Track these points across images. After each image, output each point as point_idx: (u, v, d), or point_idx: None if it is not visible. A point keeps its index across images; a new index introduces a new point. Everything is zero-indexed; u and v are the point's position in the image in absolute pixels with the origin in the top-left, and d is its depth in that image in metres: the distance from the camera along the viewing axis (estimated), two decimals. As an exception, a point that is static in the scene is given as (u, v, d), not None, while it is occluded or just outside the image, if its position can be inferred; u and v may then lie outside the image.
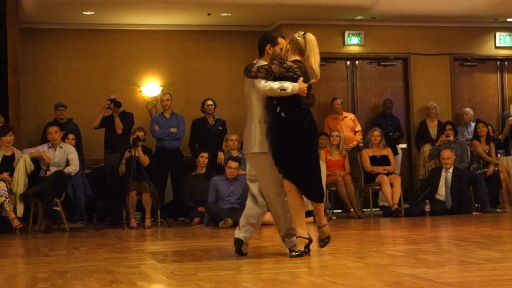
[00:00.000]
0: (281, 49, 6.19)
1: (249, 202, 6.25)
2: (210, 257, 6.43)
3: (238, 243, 6.19)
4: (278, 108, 5.99)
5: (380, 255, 6.15)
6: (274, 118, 6.03)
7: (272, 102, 6.03)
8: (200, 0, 11.91)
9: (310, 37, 6.17)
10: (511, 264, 5.34)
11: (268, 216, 10.32)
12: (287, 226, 6.16)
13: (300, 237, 5.97)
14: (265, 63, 6.10)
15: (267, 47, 6.22)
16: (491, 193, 12.01)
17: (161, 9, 12.34)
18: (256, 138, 6.07)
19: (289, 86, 5.94)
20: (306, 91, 6.01)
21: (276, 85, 5.93)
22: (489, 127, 12.64)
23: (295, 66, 6.04)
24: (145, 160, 10.88)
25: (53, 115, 12.10)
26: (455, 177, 11.56)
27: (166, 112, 12.13)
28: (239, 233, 6.20)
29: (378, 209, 12.51)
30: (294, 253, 5.90)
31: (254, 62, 6.20)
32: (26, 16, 12.21)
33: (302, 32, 6.21)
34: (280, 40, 6.28)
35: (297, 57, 6.13)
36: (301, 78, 6.01)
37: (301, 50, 6.12)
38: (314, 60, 6.10)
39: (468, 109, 13.58)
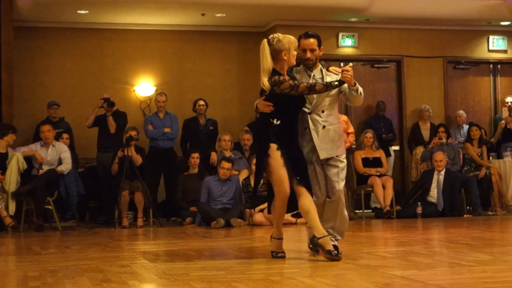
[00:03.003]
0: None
1: None
2: (201, 257, 6.44)
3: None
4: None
5: (371, 256, 6.16)
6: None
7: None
8: (195, 0, 11.91)
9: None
10: (501, 266, 5.36)
11: (259, 217, 10.41)
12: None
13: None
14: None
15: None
16: (483, 195, 12.04)
17: (155, 9, 12.34)
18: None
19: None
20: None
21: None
22: (482, 130, 12.67)
23: (299, 77, 6.12)
24: (138, 159, 10.88)
25: (45, 114, 12.08)
26: (447, 180, 11.58)
27: (160, 112, 12.13)
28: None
29: (370, 210, 12.53)
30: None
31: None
32: (20, 14, 12.19)
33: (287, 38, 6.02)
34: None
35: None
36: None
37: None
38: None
39: (461, 112, 13.62)
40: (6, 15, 11.50)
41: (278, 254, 6.00)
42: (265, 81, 5.82)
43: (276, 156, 5.83)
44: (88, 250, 7.21)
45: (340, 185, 6.04)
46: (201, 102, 12.17)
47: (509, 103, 13.57)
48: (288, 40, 5.94)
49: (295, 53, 6.00)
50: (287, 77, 5.91)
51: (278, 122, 5.89)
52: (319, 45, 6.16)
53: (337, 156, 6.06)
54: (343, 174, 6.08)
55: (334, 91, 6.12)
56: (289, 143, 5.90)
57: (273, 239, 6.08)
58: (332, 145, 6.04)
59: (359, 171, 11.88)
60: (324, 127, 6.02)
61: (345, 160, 6.13)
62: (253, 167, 10.58)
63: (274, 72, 5.87)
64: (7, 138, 10.38)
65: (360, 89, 6.17)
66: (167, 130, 11.94)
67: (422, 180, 11.92)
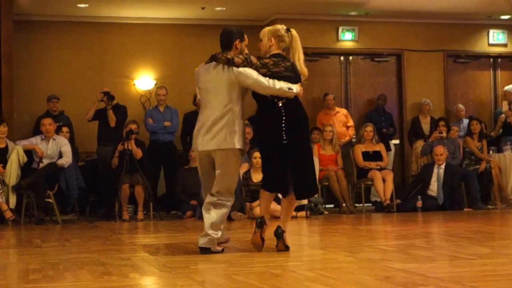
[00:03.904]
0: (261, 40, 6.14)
1: None
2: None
3: None
4: (281, 103, 5.98)
5: (371, 250, 6.17)
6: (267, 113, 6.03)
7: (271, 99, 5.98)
8: (195, -7, 11.92)
9: (295, 33, 6.13)
10: (501, 259, 5.37)
11: (259, 210, 10.42)
12: None
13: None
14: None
15: (237, 41, 6.14)
16: (483, 189, 12.04)
17: (155, 2, 12.33)
18: (239, 134, 5.98)
19: (294, 87, 5.94)
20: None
21: (284, 84, 5.90)
22: (482, 124, 12.67)
23: (271, 63, 6.01)
24: (138, 153, 10.88)
25: (45, 108, 12.08)
26: (447, 173, 11.59)
27: (160, 106, 12.13)
28: None
29: (370, 204, 12.54)
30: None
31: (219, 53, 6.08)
32: (20, 8, 12.18)
33: (285, 27, 6.14)
34: (246, 37, 6.25)
35: (279, 51, 6.09)
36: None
37: (285, 46, 6.09)
38: (299, 58, 6.09)
39: (461, 106, 13.64)
40: (6, 9, 11.49)
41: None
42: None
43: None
44: (89, 243, 7.22)
45: None
46: (203, 96, 12.14)
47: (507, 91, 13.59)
48: None
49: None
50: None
51: (284, 100, 5.98)
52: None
53: None
54: None
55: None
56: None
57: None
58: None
59: (359, 164, 11.88)
60: None
61: None
62: (254, 161, 10.62)
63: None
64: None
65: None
66: (167, 123, 11.95)
67: (422, 173, 11.92)
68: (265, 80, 5.89)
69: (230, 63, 5.93)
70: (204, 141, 6.00)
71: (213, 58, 6.02)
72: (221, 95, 5.96)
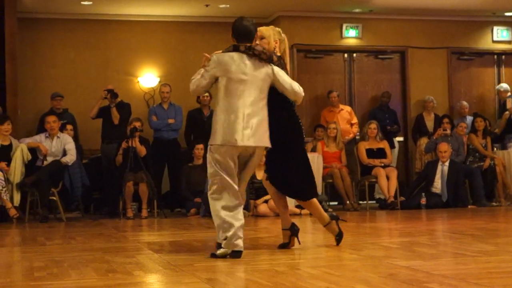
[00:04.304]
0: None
1: None
2: (206, 248, 6.44)
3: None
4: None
5: (375, 247, 6.17)
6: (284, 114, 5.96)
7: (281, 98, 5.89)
8: (199, -9, 11.92)
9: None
10: (506, 257, 5.37)
11: (264, 207, 10.43)
12: None
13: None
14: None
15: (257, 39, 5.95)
16: (487, 186, 12.04)
17: (159, 0, 12.33)
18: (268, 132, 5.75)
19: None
20: None
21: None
22: (486, 121, 12.66)
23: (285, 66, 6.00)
24: (142, 150, 10.89)
25: (49, 105, 12.09)
26: (451, 171, 11.58)
27: (164, 103, 12.14)
28: None
29: (374, 201, 12.54)
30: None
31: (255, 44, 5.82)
32: (24, 5, 12.19)
33: (279, 29, 6.09)
34: None
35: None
36: None
37: (283, 49, 6.04)
38: (287, 63, 6.07)
39: (464, 103, 13.62)
40: (10, 6, 11.51)
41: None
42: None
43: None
44: (93, 241, 7.23)
45: None
46: (205, 94, 12.16)
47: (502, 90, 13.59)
48: None
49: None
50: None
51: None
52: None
53: None
54: None
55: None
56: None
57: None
58: None
59: (363, 162, 11.88)
60: None
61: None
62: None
63: None
64: (3, 127, 10.32)
65: None
66: (171, 121, 11.95)
67: (426, 171, 11.92)
68: (297, 85, 5.86)
69: (270, 60, 5.77)
70: (245, 136, 5.54)
71: (250, 49, 5.68)
72: (256, 90, 5.66)
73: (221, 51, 5.81)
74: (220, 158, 5.57)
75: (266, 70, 5.72)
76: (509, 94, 13.56)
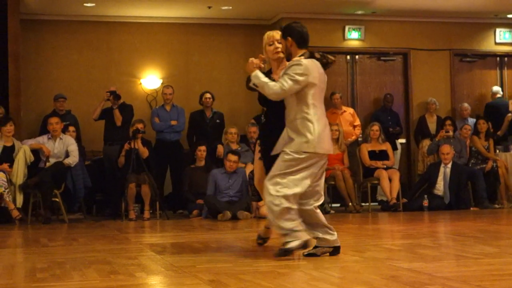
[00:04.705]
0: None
1: None
2: (208, 249, 6.45)
3: None
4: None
5: (378, 249, 6.17)
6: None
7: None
8: (201, -7, 11.93)
9: None
10: (508, 259, 5.37)
11: (265, 209, 10.42)
12: None
13: None
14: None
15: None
16: (489, 188, 12.03)
17: (161, 1, 12.34)
18: None
19: None
20: None
21: None
22: (488, 123, 12.66)
23: None
24: (145, 152, 10.89)
25: (52, 107, 12.10)
26: (454, 173, 11.58)
27: (166, 105, 12.15)
28: None
29: (377, 203, 12.54)
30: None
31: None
32: (27, 7, 12.21)
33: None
34: None
35: None
36: None
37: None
38: None
39: (466, 104, 13.62)
40: (13, 8, 11.52)
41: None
42: None
43: (257, 156, 6.13)
44: (95, 242, 7.24)
45: None
46: (208, 95, 12.17)
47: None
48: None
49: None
50: None
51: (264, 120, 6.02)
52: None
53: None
54: None
55: None
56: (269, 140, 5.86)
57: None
58: None
59: (365, 163, 11.88)
60: None
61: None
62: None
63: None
64: (6, 128, 10.34)
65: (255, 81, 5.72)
66: (173, 122, 11.96)
67: (429, 173, 11.91)
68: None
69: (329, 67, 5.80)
70: (330, 145, 5.73)
71: (324, 58, 5.71)
72: (323, 98, 5.81)
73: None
74: (309, 165, 5.52)
75: (325, 77, 5.79)
76: (498, 96, 13.62)
